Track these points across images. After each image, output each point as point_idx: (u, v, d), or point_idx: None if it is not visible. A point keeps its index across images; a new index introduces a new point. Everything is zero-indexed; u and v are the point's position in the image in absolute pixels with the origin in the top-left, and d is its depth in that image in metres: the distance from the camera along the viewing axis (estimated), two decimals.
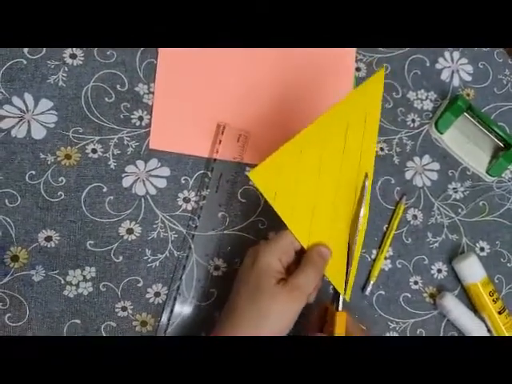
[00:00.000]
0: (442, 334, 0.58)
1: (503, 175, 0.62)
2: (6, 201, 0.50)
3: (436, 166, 0.61)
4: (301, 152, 0.44)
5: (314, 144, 0.45)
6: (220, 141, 0.55)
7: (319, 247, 0.45)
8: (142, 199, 0.53)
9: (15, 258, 0.49)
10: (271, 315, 0.41)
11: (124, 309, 0.51)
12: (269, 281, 0.42)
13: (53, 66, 0.52)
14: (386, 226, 0.58)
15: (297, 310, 0.42)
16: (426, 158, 0.61)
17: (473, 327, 0.56)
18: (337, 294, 0.47)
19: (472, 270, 0.57)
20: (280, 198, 0.43)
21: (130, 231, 0.52)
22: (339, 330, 0.45)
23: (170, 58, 0.55)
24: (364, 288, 0.57)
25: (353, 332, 0.46)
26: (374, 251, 0.58)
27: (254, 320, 0.41)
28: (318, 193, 0.46)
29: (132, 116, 0.54)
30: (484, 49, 0.64)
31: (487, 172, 0.61)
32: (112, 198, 0.52)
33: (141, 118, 0.54)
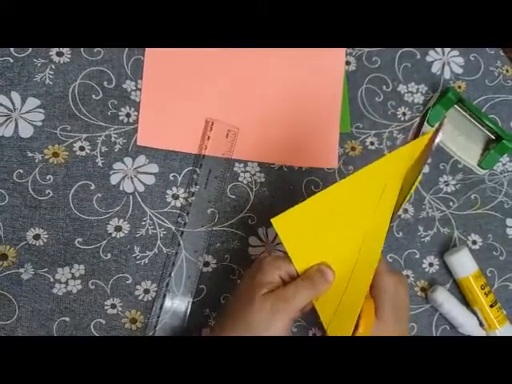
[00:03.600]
0: (433, 328, 0.58)
1: (495, 168, 0.61)
2: None
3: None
4: (329, 206, 0.42)
5: (344, 199, 0.43)
6: (209, 137, 0.55)
7: (320, 265, 0.43)
8: (131, 196, 0.53)
9: (4, 257, 0.49)
10: (255, 326, 0.40)
11: (113, 306, 0.51)
12: (261, 291, 0.40)
13: (39, 64, 0.52)
14: None
15: (283, 323, 0.40)
16: None
17: (465, 320, 0.56)
18: None
19: (463, 264, 0.57)
20: (298, 248, 0.42)
21: (118, 228, 0.52)
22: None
23: (157, 55, 0.55)
24: None
25: (386, 280, 0.44)
26: None
27: (241, 329, 0.40)
28: (339, 249, 0.44)
29: (119, 113, 0.53)
30: None
31: (479, 165, 0.60)
32: (100, 195, 0.52)
33: (128, 115, 0.54)
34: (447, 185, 0.60)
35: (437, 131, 0.41)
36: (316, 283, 0.42)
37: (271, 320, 0.40)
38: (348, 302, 0.44)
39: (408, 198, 0.44)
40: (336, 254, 0.44)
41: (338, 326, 0.43)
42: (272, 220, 0.41)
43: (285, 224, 0.42)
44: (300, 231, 0.43)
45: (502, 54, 0.64)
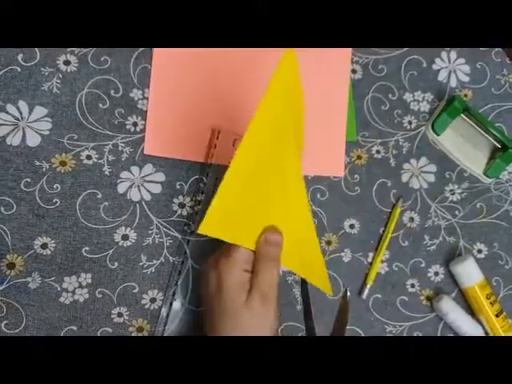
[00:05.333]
0: None
1: (501, 176, 0.61)
2: (2, 208, 0.50)
3: (433, 167, 0.60)
4: (240, 181, 0.41)
5: (249, 166, 0.41)
6: (215, 145, 0.55)
7: (265, 234, 0.42)
8: (137, 205, 0.53)
9: (11, 266, 0.50)
10: (251, 328, 0.40)
11: (120, 315, 0.51)
12: (240, 296, 0.41)
13: (47, 73, 0.52)
14: (383, 229, 0.58)
15: (274, 312, 0.42)
16: (423, 160, 0.60)
17: (470, 330, 0.56)
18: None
19: (469, 273, 0.57)
20: (239, 232, 0.42)
21: (125, 237, 0.52)
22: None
23: (164, 64, 0.55)
24: (361, 292, 0.57)
25: None
26: (371, 254, 0.58)
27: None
28: (271, 207, 0.44)
29: (126, 122, 0.54)
30: (481, 48, 0.63)
31: (484, 173, 0.60)
32: (107, 204, 0.52)
33: (135, 124, 0.54)
34: (453, 193, 0.60)
35: None
36: (271, 255, 0.42)
37: (267, 315, 0.41)
38: (305, 243, 0.46)
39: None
40: (272, 212, 0.44)
41: (310, 268, 0.46)
42: (199, 230, 0.39)
43: (212, 225, 0.40)
44: (230, 219, 0.41)
45: (509, 62, 0.64)
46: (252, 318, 0.41)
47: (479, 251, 0.60)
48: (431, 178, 0.60)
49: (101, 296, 0.51)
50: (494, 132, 0.58)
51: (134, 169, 0.53)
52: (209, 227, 0.39)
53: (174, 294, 0.52)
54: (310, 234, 0.47)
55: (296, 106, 0.46)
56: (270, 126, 0.42)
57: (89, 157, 0.52)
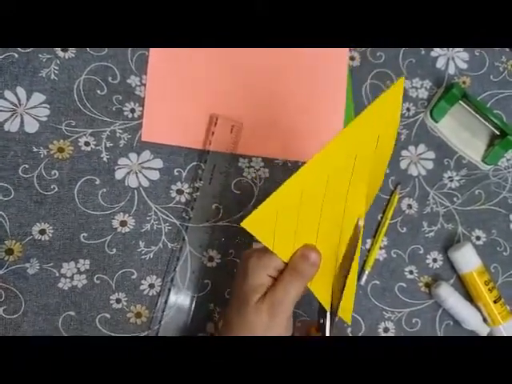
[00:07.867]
0: (437, 323, 0.58)
1: (499, 163, 0.61)
2: (0, 195, 0.50)
3: (431, 154, 0.60)
4: (299, 190, 0.39)
5: (318, 179, 0.39)
6: (213, 132, 0.55)
7: (303, 249, 0.40)
8: (135, 191, 0.53)
9: (10, 252, 0.50)
10: (257, 332, 0.40)
11: (118, 301, 0.52)
12: (254, 297, 0.40)
13: (45, 60, 0.52)
14: (381, 215, 0.58)
15: (282, 323, 0.40)
16: (422, 147, 0.60)
17: (468, 316, 0.56)
18: (322, 318, 0.43)
19: (467, 259, 0.57)
20: (279, 240, 0.40)
21: (123, 223, 0.52)
22: None
23: (161, 50, 0.55)
24: (359, 278, 0.57)
25: None
26: (369, 241, 0.58)
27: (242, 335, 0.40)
28: (320, 227, 0.41)
29: (124, 108, 0.53)
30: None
31: (483, 160, 0.60)
32: (105, 190, 0.52)
33: (133, 111, 0.54)
34: (451, 180, 0.60)
35: None
36: (302, 271, 0.40)
37: (270, 326, 0.40)
38: (341, 276, 0.42)
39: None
40: (319, 232, 0.42)
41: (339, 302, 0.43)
42: (242, 224, 0.38)
43: (257, 223, 0.39)
44: (275, 224, 0.40)
45: (507, 49, 0.63)
46: (259, 320, 0.40)
47: (478, 238, 0.60)
48: (430, 165, 0.60)
49: (99, 282, 0.51)
50: (493, 119, 0.58)
51: (132, 155, 0.53)
52: (253, 224, 0.38)
53: (172, 280, 0.52)
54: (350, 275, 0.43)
55: (386, 140, 0.42)
56: (353, 149, 0.40)
57: (87, 143, 0.52)
